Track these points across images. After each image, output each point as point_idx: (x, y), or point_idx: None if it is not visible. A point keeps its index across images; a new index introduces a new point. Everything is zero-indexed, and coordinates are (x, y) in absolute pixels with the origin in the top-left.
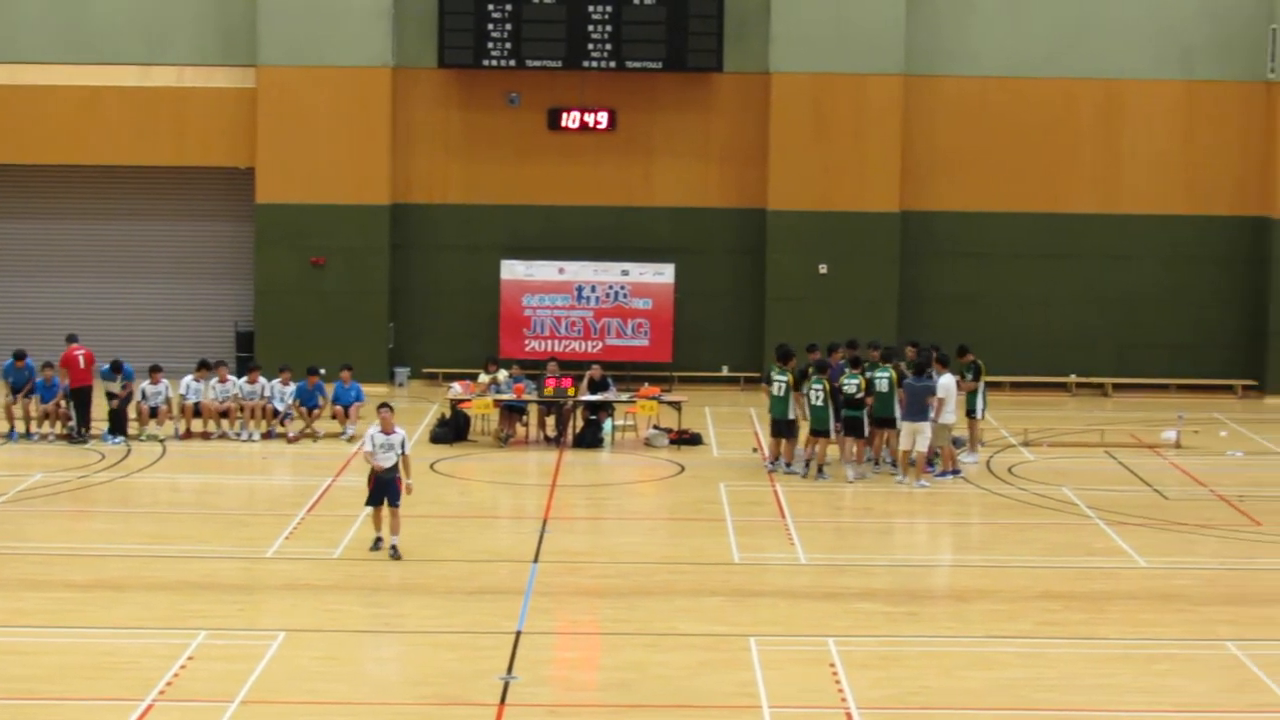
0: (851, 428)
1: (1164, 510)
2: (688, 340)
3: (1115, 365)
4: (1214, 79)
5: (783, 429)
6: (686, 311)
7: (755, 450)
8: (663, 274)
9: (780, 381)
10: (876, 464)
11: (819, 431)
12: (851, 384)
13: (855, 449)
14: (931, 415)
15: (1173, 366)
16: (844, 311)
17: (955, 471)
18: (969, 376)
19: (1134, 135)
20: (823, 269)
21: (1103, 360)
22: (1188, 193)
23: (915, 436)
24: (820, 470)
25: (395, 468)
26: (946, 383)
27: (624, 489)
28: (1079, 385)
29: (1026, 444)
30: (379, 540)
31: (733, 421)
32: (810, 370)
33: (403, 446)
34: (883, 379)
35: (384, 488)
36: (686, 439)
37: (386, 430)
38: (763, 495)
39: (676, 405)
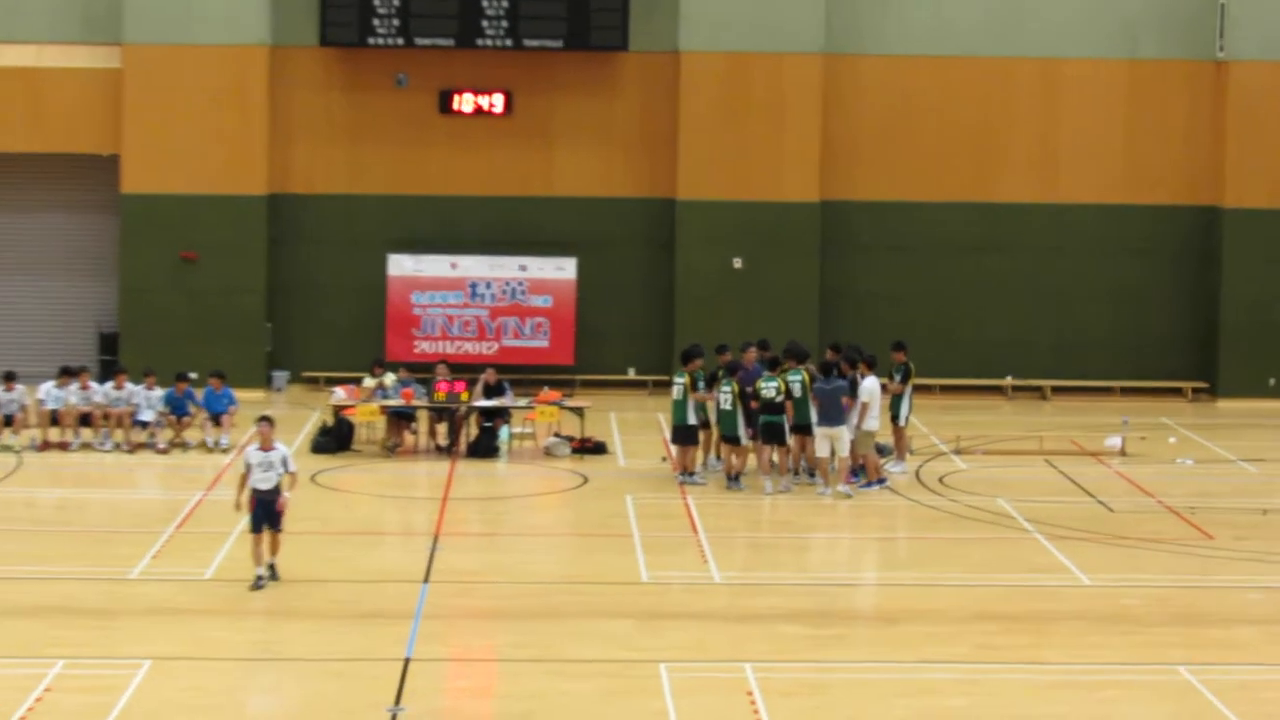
0: (771, 435)
1: (1109, 523)
2: (591, 341)
3: (1054, 366)
4: (1159, 58)
5: (680, 435)
6: (590, 310)
7: (665, 460)
8: (564, 269)
9: (678, 384)
10: (796, 474)
11: (728, 438)
12: (770, 387)
13: (776, 458)
14: (854, 420)
15: (1116, 368)
16: (760, 309)
17: (881, 482)
18: (897, 378)
19: (1072, 118)
20: (737, 263)
21: (1040, 361)
22: (1131, 181)
23: (834, 443)
24: (734, 479)
25: (276, 489)
26: (870, 386)
27: (522, 502)
28: (1015, 388)
29: (959, 452)
30: (260, 578)
31: (640, 429)
32: (720, 373)
33: (285, 464)
34: (795, 383)
35: (265, 511)
36: (590, 448)
37: (265, 447)
38: (673, 508)
39: (579, 411)
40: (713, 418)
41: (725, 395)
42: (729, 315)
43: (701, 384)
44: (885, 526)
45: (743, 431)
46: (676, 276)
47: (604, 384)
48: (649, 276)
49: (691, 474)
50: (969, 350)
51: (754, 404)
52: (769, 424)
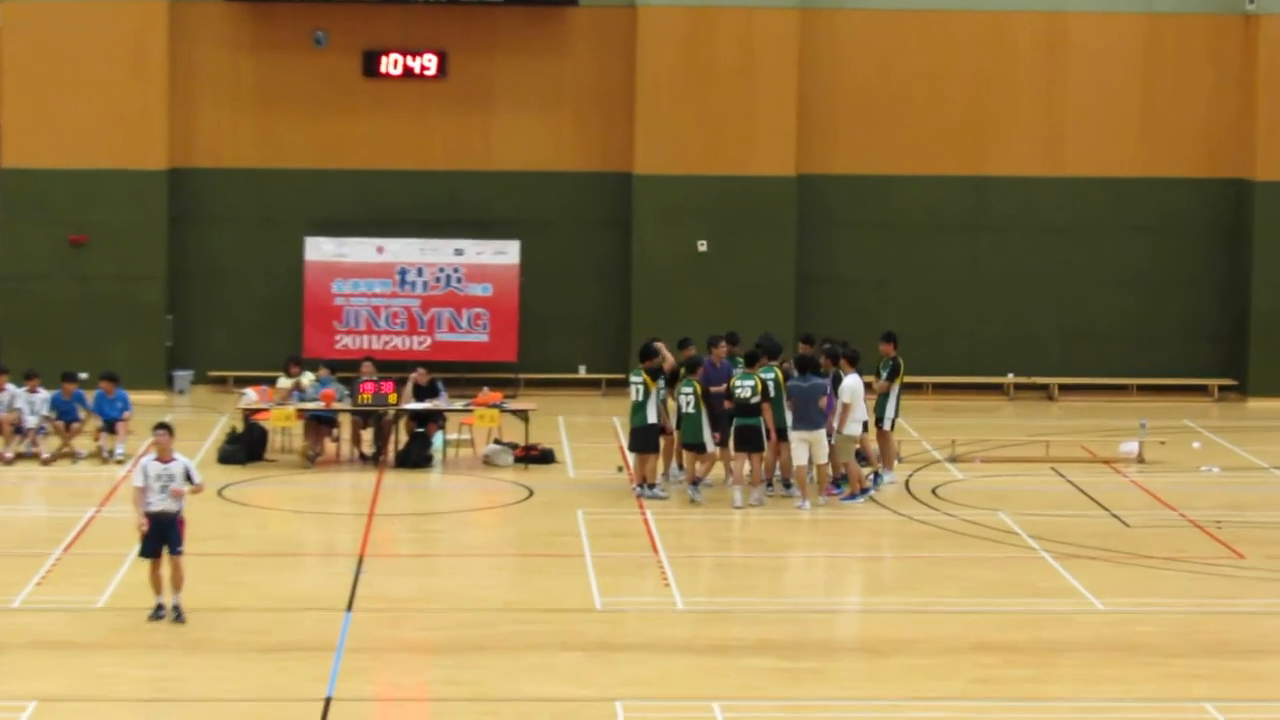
0: (746, 440)
1: (1125, 540)
2: (536, 335)
3: (1061, 362)
4: (1180, 11)
5: (639, 442)
6: (535, 300)
7: (621, 469)
8: (505, 253)
9: (636, 384)
10: (770, 485)
11: (691, 445)
12: (745, 387)
13: (750, 467)
14: (835, 422)
15: (1132, 363)
16: (729, 298)
17: (864, 493)
18: (883, 375)
19: (1081, 80)
20: (702, 246)
21: (1046, 356)
22: (1148, 151)
23: (812, 449)
24: (695, 484)
25: (177, 509)
26: (852, 384)
27: (459, 519)
28: (1017, 386)
29: (954, 459)
30: (160, 608)
31: (593, 434)
32: (682, 370)
33: (188, 477)
34: (770, 382)
35: (162, 532)
36: (535, 456)
37: (164, 458)
38: (630, 525)
39: (523, 415)
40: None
41: (687, 397)
42: (693, 305)
43: (662, 382)
44: (870, 544)
45: (708, 437)
46: (633, 261)
47: (551, 383)
48: (602, 261)
49: (651, 486)
50: (965, 344)
51: (727, 404)
52: (744, 428)
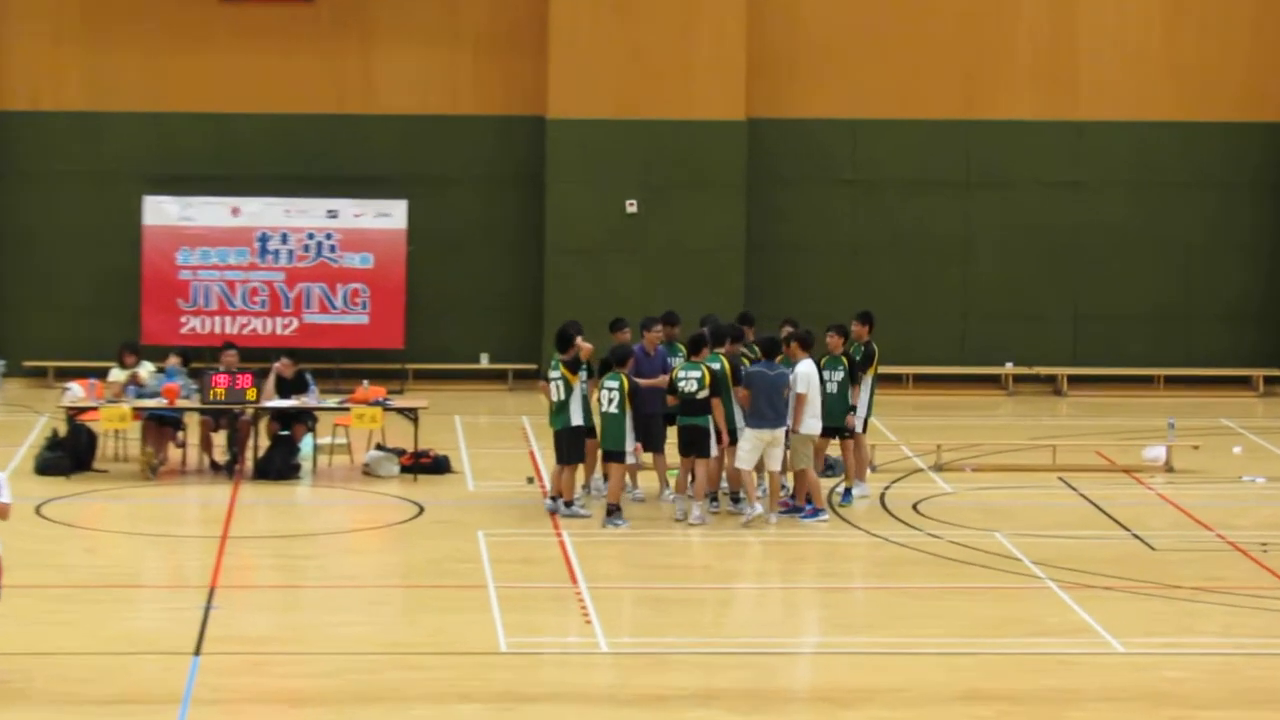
0: (693, 443)
1: (1149, 566)
2: (428, 317)
3: (1071, 347)
4: None
5: (564, 448)
6: (426, 273)
7: (532, 480)
8: (390, 216)
9: (556, 380)
10: (714, 500)
11: (610, 453)
12: (690, 379)
13: (699, 476)
14: (789, 419)
15: (1159, 350)
16: (665, 270)
17: (818, 512)
18: (836, 367)
19: (1095, 5)
20: (631, 207)
21: (1053, 341)
22: (1177, 89)
23: (768, 451)
24: (613, 516)
25: None
26: (806, 372)
27: (332, 542)
28: (1017, 378)
29: (939, 468)
30: None
31: (497, 437)
32: (612, 361)
33: None
34: (715, 372)
35: None
36: (427, 465)
37: None
38: (544, 549)
39: (411, 414)
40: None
41: (611, 393)
42: (621, 279)
43: (583, 373)
44: (837, 573)
45: (630, 443)
46: (547, 225)
47: (447, 376)
48: (509, 226)
49: (570, 502)
50: (954, 326)
51: (671, 400)
52: (690, 429)
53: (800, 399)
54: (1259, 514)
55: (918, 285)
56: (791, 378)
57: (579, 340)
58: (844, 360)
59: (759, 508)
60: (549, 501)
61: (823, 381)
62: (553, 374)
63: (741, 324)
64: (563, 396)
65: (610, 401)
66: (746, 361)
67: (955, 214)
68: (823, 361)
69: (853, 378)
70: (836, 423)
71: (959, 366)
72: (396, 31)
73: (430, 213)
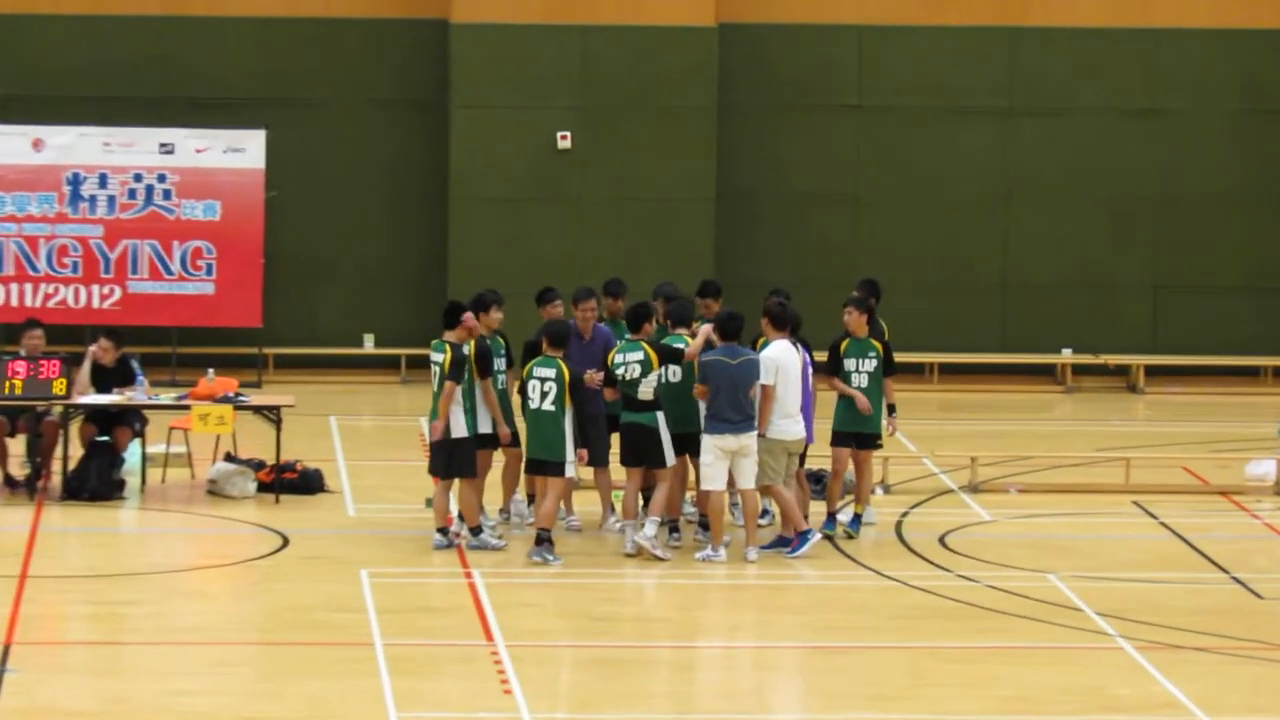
0: (638, 449)
1: (1254, 620)
2: (293, 284)
3: (1149, 329)
4: None
5: (441, 461)
6: (291, 227)
7: (432, 504)
8: (243, 151)
9: (436, 363)
10: (675, 529)
11: (541, 463)
12: (631, 363)
13: (658, 493)
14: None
15: (1267, 331)
16: (609, 224)
17: (806, 539)
18: (866, 353)
19: None
20: (564, 140)
21: (1125, 320)
22: None
23: (737, 463)
24: (543, 547)
25: None
26: (773, 356)
27: (166, 583)
28: (1079, 370)
29: (974, 488)
30: None
31: (385, 445)
32: (544, 342)
33: None
34: (678, 352)
35: None
36: (293, 481)
37: None
38: (449, 594)
39: (273, 415)
40: (522, 426)
41: (545, 385)
42: (550, 238)
43: (503, 359)
44: (838, 626)
45: (570, 451)
46: (452, 166)
47: (318, 364)
48: (401, 166)
49: (477, 530)
50: (992, 300)
51: (610, 393)
52: (634, 429)
53: (766, 392)
54: None
55: (945, 246)
56: (761, 360)
57: (468, 318)
58: (875, 344)
59: (722, 552)
60: (438, 538)
61: (845, 374)
62: (435, 356)
63: (704, 296)
64: (435, 387)
65: (544, 396)
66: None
67: (994, 151)
68: (844, 346)
69: (889, 366)
70: (870, 428)
71: (1000, 354)
72: None
73: (297, 147)
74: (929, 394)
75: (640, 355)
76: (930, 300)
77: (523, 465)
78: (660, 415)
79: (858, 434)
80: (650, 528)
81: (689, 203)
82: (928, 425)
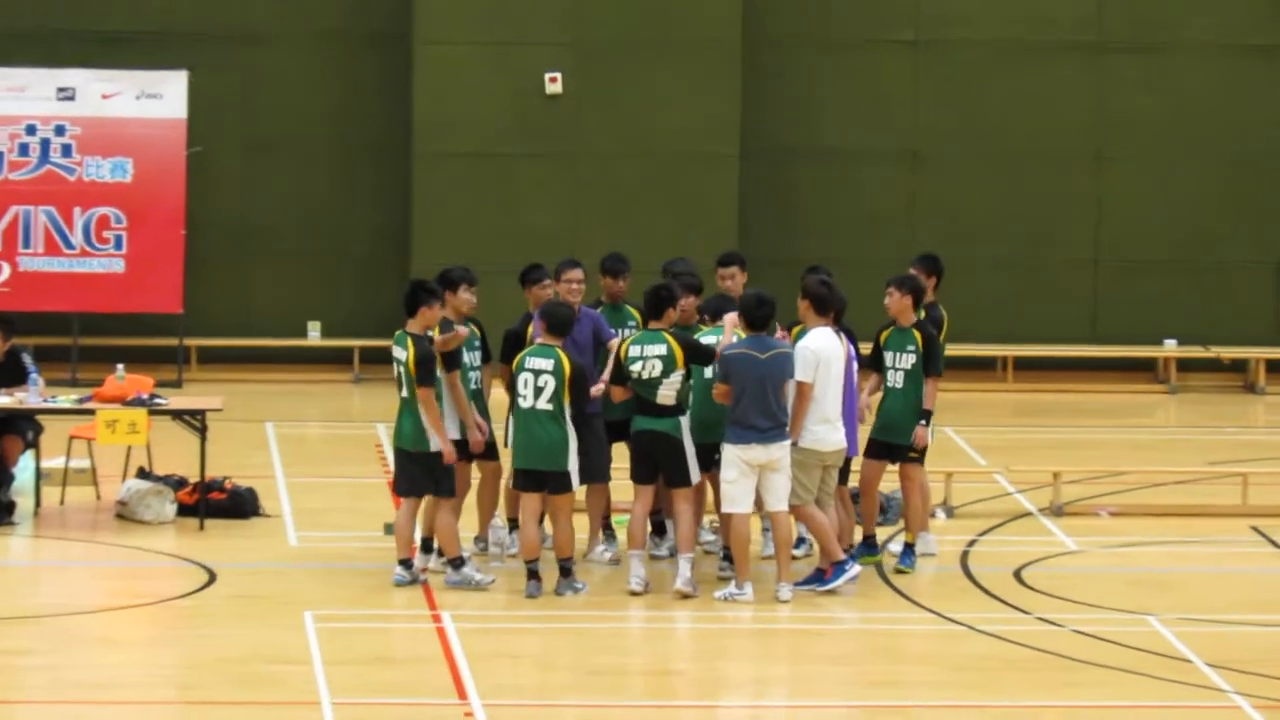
0: (659, 462)
1: None
2: (222, 262)
3: (1271, 320)
4: None
5: (407, 478)
6: (220, 191)
7: (392, 530)
8: (160, 97)
9: (399, 361)
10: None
11: (539, 476)
12: (651, 359)
13: (681, 518)
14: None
15: None
16: (608, 185)
17: (842, 570)
18: (905, 346)
19: None
20: (554, 83)
21: (1243, 306)
22: None
23: (765, 480)
24: (570, 579)
25: None
26: (815, 348)
27: (66, 628)
28: (1184, 365)
29: (1058, 510)
30: None
31: (335, 458)
32: (541, 327)
33: None
34: (709, 347)
35: None
36: (221, 503)
37: None
38: (413, 642)
39: (195, 420)
40: (502, 430)
41: (540, 379)
42: (537, 201)
43: (476, 351)
44: (889, 680)
45: (573, 461)
46: (415, 115)
47: (252, 358)
48: (355, 116)
49: (458, 561)
50: (1080, 281)
51: (617, 393)
52: (650, 437)
53: (802, 391)
54: None
55: (1021, 213)
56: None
57: (425, 309)
58: (916, 334)
59: (749, 590)
60: (399, 571)
61: (883, 369)
62: (397, 351)
63: (727, 267)
64: (404, 391)
65: (539, 392)
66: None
67: (1081, 96)
68: (884, 336)
69: (929, 363)
70: (899, 438)
71: (1089, 346)
72: None
73: (226, 92)
74: (1002, 395)
75: (663, 349)
76: (1003, 280)
77: (503, 481)
78: (684, 422)
79: (889, 444)
80: (686, 568)
81: (707, 160)
82: (1000, 433)
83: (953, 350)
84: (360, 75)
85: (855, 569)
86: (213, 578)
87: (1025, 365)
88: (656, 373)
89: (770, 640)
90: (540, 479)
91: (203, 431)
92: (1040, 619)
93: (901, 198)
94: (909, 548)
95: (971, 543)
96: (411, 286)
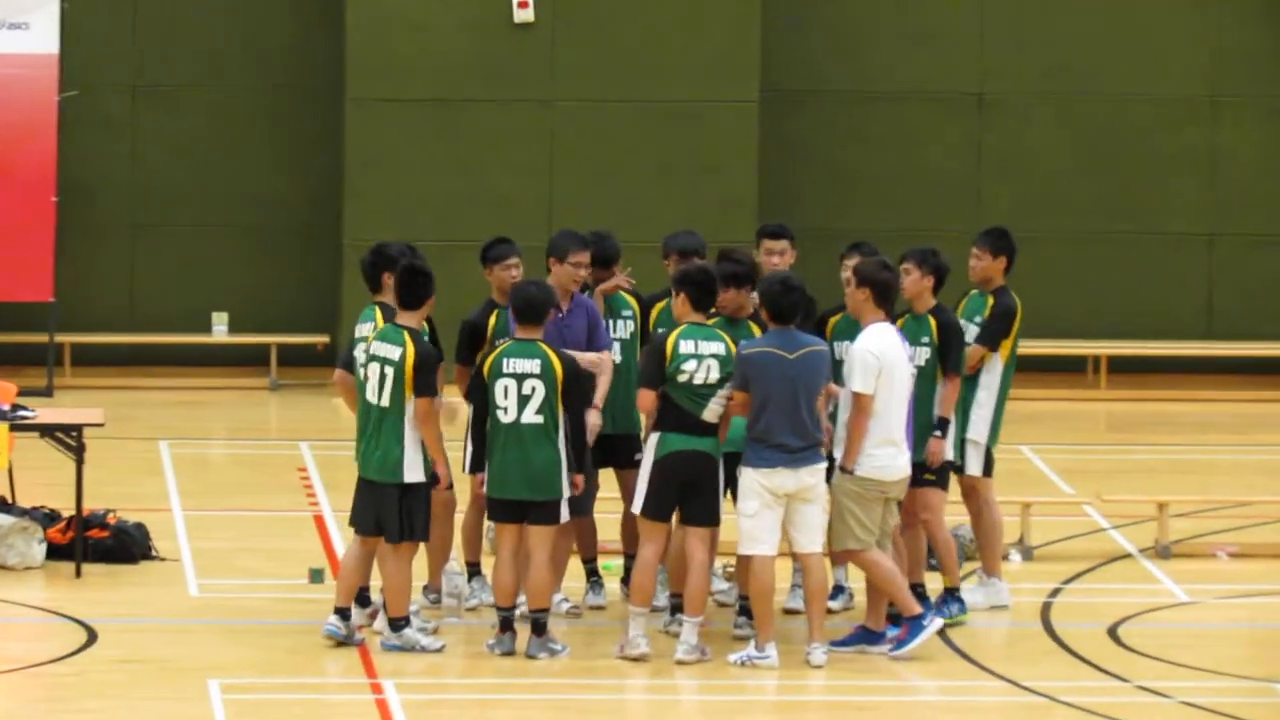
0: (696, 492)
1: None
2: (102, 238)
3: None
4: None
5: (366, 509)
6: (99, 148)
7: (319, 576)
8: (25, 27)
9: (390, 363)
10: (675, 612)
11: (523, 507)
12: (708, 359)
13: (698, 572)
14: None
15: None
16: (592, 137)
17: (921, 627)
18: (919, 338)
19: None
20: (524, 7)
21: None
22: None
23: (794, 514)
24: (545, 637)
25: None
26: (880, 348)
27: None
28: None
29: (1164, 552)
30: None
31: (244, 483)
32: (519, 317)
33: None
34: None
35: None
36: (102, 541)
37: None
38: (348, 717)
39: (69, 437)
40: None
41: (521, 383)
42: (500, 162)
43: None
44: None
45: (567, 485)
46: (348, 48)
47: (141, 359)
48: (272, 51)
49: (402, 621)
50: (1191, 262)
51: (647, 400)
52: (688, 459)
53: (860, 405)
54: None
55: (1115, 174)
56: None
57: (430, 299)
58: (931, 322)
59: (772, 653)
60: (331, 623)
61: None
62: (384, 352)
63: (776, 238)
64: (384, 401)
65: (523, 403)
66: (756, 330)
67: (1189, 24)
68: (899, 324)
69: (948, 359)
70: (916, 453)
71: (1202, 343)
72: None
73: (110, 23)
74: (1093, 405)
75: (722, 349)
76: (1094, 260)
77: (457, 517)
78: (719, 445)
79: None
80: (691, 634)
81: (719, 108)
82: (1092, 454)
83: (1029, 348)
84: (279, 2)
85: (937, 623)
86: (93, 637)
87: (1121, 367)
88: (715, 378)
89: (799, 716)
90: (523, 510)
91: (79, 452)
92: (1141, 687)
93: (965, 155)
94: (952, 595)
95: (1055, 592)
96: (410, 270)
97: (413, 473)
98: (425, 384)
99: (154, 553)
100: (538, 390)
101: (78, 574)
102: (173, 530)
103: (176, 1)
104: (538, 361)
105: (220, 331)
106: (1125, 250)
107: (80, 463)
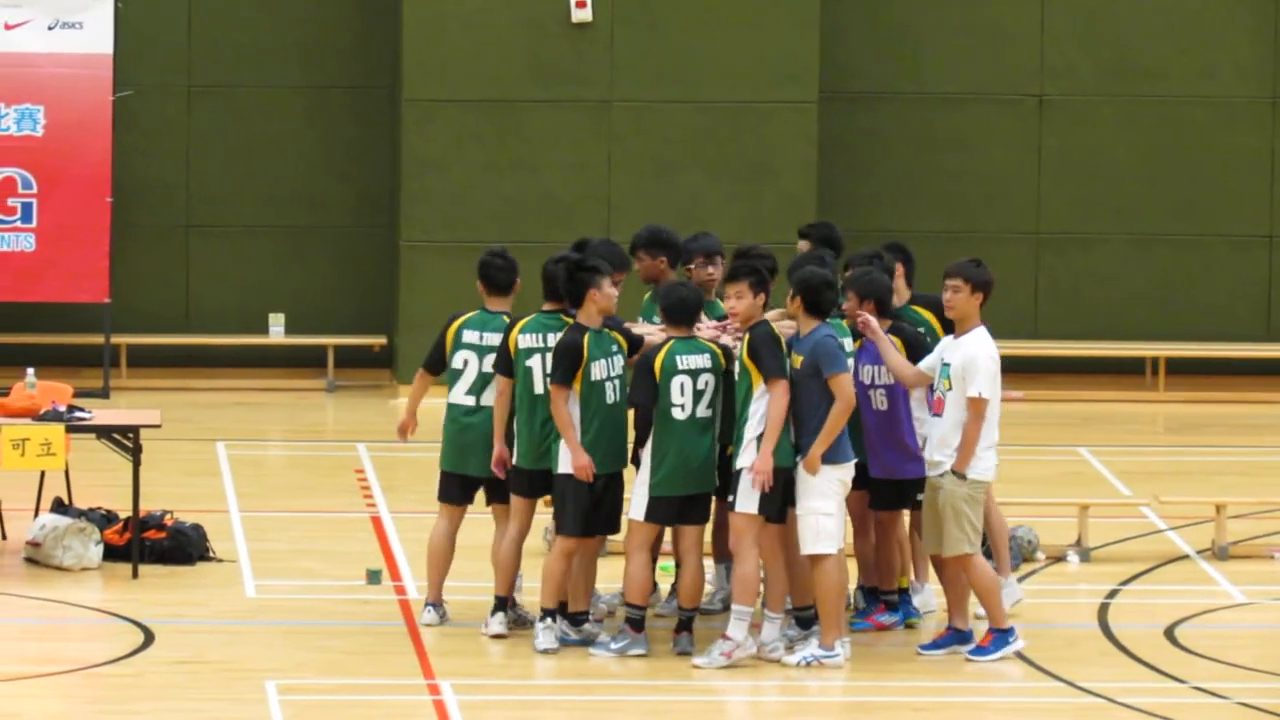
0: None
1: None
2: (158, 239)
3: None
4: None
5: (573, 508)
6: (155, 148)
7: (378, 577)
8: (79, 27)
9: (542, 350)
10: (686, 630)
11: (676, 504)
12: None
13: (772, 573)
14: (932, 449)
15: None
16: (649, 137)
17: (1005, 639)
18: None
19: None
20: (582, 7)
21: None
22: None
23: (817, 519)
24: (637, 624)
25: None
26: (990, 354)
27: None
28: None
29: (1222, 554)
30: None
31: (301, 484)
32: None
33: None
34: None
35: None
36: (160, 543)
37: None
38: (405, 719)
39: (126, 439)
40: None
41: (696, 378)
42: (567, 164)
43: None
44: None
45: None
46: (404, 48)
47: (197, 360)
48: (327, 51)
49: (578, 617)
50: (1252, 261)
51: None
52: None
53: (978, 410)
54: None
55: (1177, 171)
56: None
57: (594, 290)
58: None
59: (839, 653)
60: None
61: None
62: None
63: (808, 238)
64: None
65: (697, 398)
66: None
67: (1251, 27)
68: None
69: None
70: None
71: (1263, 345)
72: None
73: (164, 23)
74: (1151, 406)
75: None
76: (1153, 262)
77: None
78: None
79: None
80: (772, 630)
81: (777, 109)
82: (1150, 455)
83: (1090, 349)
84: (335, 1)
85: (1021, 643)
86: (150, 639)
87: (1180, 368)
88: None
89: (859, 717)
90: (684, 508)
91: (136, 454)
92: (1198, 688)
93: (1025, 157)
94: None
95: (1112, 593)
96: (574, 266)
97: (565, 462)
98: (565, 377)
99: (211, 554)
100: (709, 384)
101: (135, 575)
102: (230, 531)
103: (230, 1)
104: (707, 356)
105: (277, 333)
106: (1185, 252)
107: (137, 464)
